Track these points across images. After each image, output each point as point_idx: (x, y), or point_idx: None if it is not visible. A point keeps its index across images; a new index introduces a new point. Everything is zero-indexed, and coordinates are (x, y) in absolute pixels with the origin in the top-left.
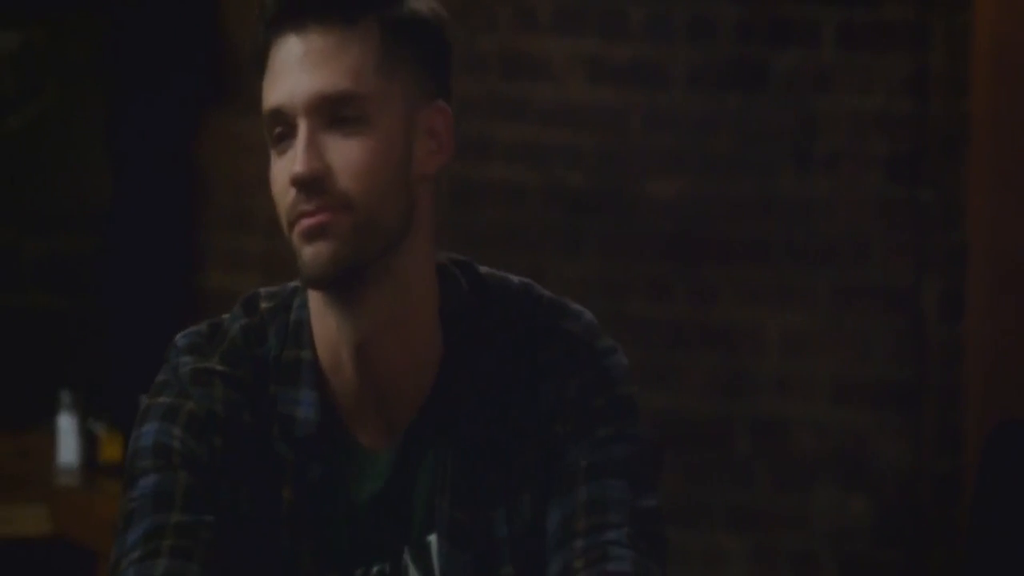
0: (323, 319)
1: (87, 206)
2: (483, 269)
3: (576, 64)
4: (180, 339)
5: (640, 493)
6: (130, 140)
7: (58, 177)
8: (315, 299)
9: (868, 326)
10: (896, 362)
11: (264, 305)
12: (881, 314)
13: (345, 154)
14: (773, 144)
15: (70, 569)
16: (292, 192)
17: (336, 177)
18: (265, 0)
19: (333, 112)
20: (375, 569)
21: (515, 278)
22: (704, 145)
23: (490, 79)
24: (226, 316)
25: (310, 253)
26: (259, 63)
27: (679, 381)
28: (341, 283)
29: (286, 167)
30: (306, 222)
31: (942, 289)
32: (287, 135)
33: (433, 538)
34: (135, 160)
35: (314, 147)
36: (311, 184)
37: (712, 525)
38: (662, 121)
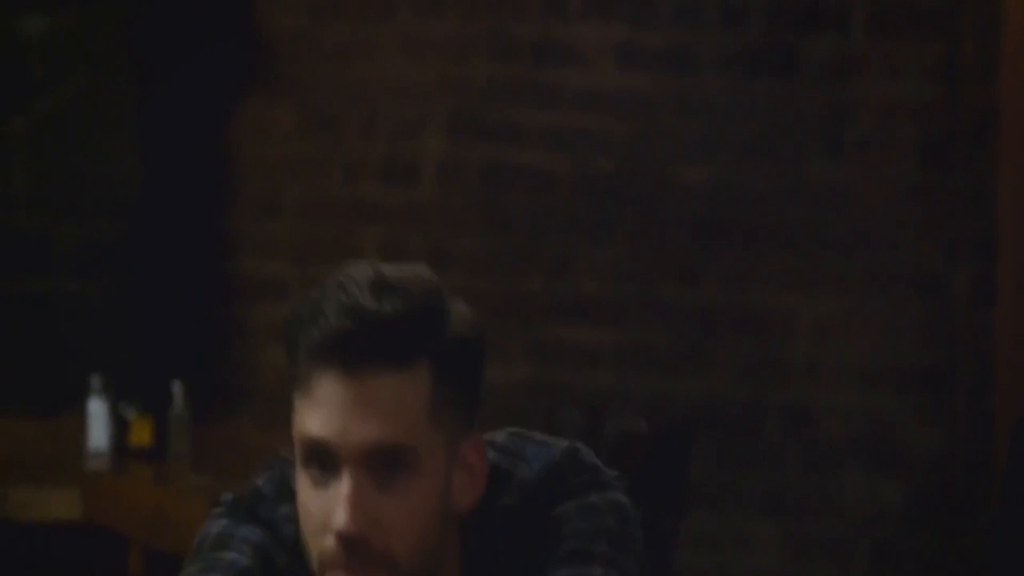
0: None
1: (117, 191)
2: (491, 457)
3: (606, 50)
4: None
5: None
6: (161, 125)
7: (88, 162)
8: None
9: (899, 312)
10: (927, 348)
11: (286, 531)
12: (912, 300)
13: (393, 511)
14: (803, 130)
15: (100, 553)
16: (330, 537)
17: (382, 534)
18: (311, 331)
19: (382, 461)
20: None
21: (531, 469)
22: (734, 131)
23: (521, 65)
24: (278, 511)
25: None
26: (295, 381)
27: (709, 367)
28: None
29: (325, 507)
30: None
31: (973, 275)
32: (327, 468)
33: None
34: (166, 145)
35: (361, 502)
36: (356, 542)
37: (743, 510)
38: (692, 107)
